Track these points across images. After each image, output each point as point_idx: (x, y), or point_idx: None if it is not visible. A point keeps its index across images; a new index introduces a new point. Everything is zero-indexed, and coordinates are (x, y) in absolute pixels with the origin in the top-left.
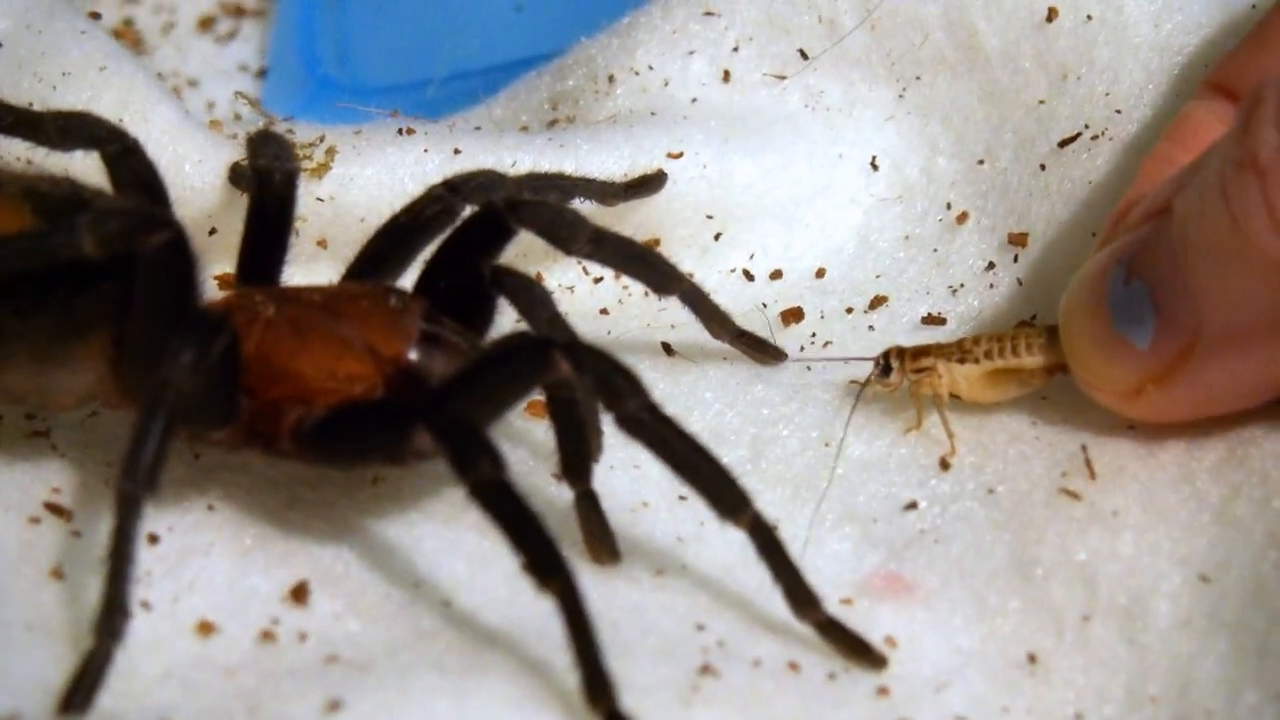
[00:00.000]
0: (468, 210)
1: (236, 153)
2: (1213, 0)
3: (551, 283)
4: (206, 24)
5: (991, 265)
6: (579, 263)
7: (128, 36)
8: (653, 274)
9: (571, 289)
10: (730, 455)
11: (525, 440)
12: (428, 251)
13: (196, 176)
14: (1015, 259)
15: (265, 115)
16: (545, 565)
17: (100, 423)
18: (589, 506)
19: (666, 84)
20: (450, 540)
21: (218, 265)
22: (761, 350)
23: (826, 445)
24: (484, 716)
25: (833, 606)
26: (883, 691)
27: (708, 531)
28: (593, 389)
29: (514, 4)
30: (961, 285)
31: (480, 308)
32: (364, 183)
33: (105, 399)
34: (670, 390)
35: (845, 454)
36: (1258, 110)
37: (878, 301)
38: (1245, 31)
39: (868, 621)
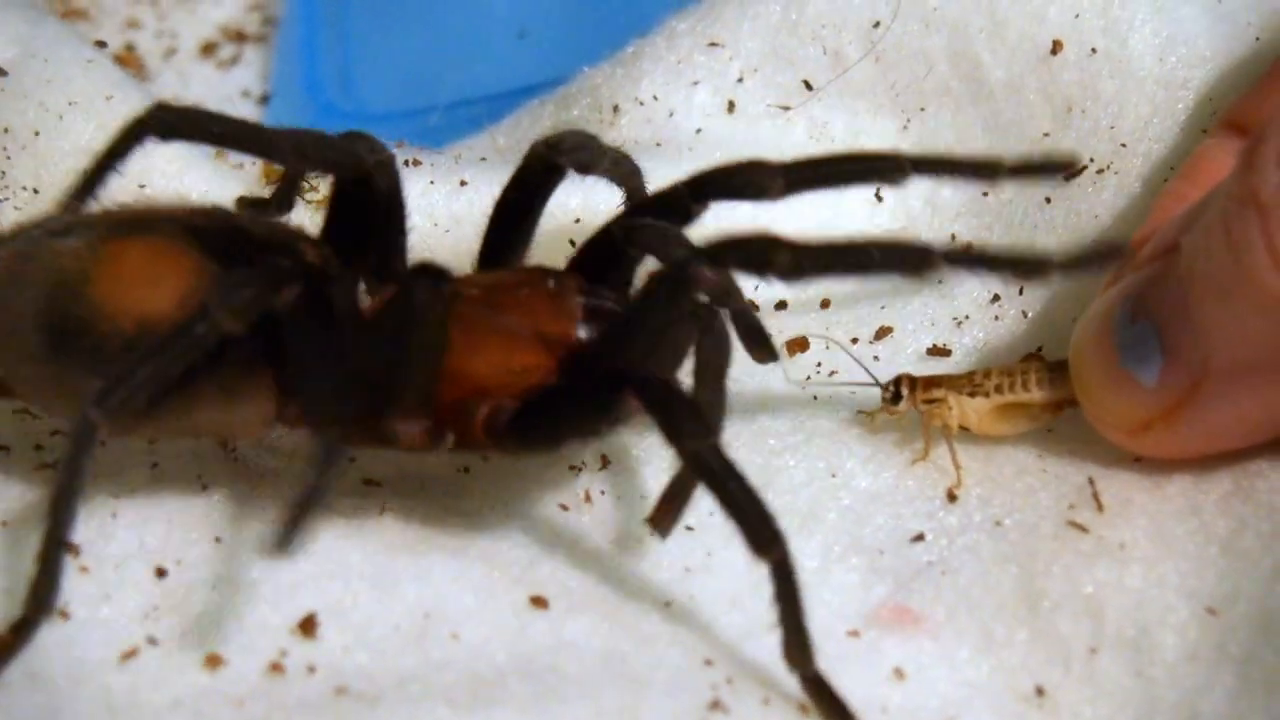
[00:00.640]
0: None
1: (241, 184)
2: (1217, 33)
3: None
4: (209, 50)
5: (997, 298)
6: None
7: (130, 62)
8: None
9: None
10: None
11: None
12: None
13: None
14: (1020, 292)
15: None
16: (763, 533)
17: (106, 454)
18: (743, 315)
19: (671, 114)
20: (459, 571)
21: None
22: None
23: (833, 476)
24: None
25: (840, 638)
26: None
27: (716, 562)
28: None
29: (517, 31)
30: (966, 317)
31: (622, 266)
32: None
33: (287, 422)
34: None
35: (852, 485)
36: (1261, 148)
37: (883, 332)
38: (1250, 65)
39: (874, 653)
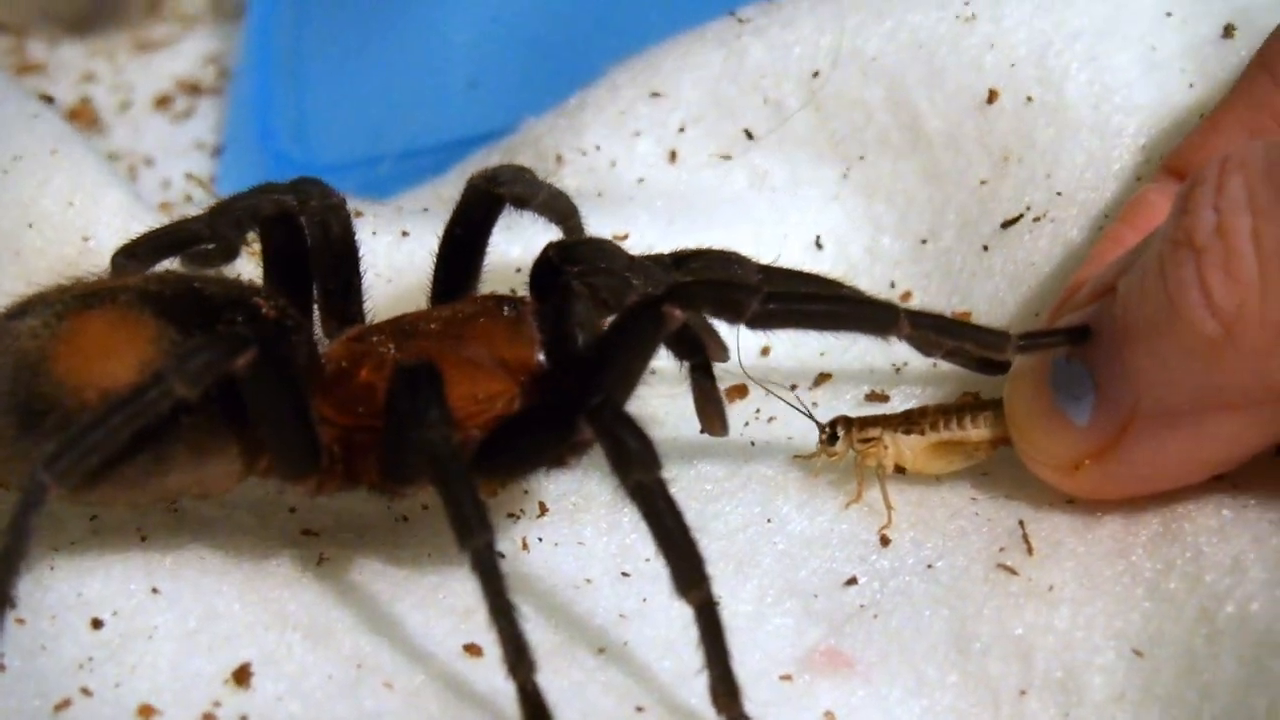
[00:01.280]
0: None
1: None
2: (1152, 81)
3: None
4: (163, 102)
5: None
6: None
7: (84, 115)
8: None
9: None
10: None
11: None
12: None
13: None
14: None
15: (216, 196)
16: (690, 575)
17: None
18: (704, 378)
19: (613, 164)
20: (394, 620)
21: None
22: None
23: (769, 521)
24: None
25: (773, 682)
26: None
27: (650, 608)
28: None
29: (467, 81)
30: (905, 364)
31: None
32: None
33: (259, 474)
34: None
35: (787, 530)
36: (1196, 191)
37: (822, 379)
38: (1185, 113)
39: (807, 697)
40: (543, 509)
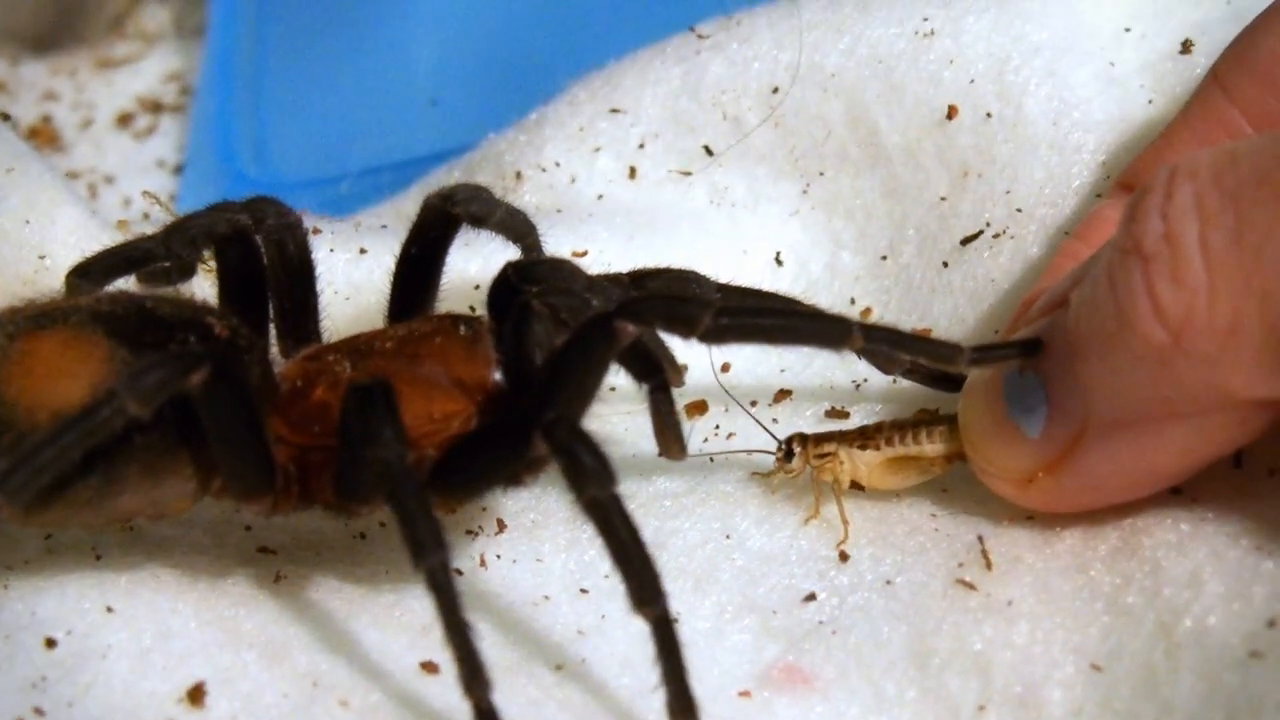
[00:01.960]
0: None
1: None
2: (1110, 97)
3: None
4: (125, 120)
5: None
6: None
7: (45, 133)
8: None
9: None
10: None
11: None
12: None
13: None
14: None
15: (173, 214)
16: (646, 590)
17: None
18: (662, 400)
19: (573, 180)
20: (350, 638)
21: None
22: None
23: (728, 538)
24: None
25: (731, 699)
26: None
27: (608, 625)
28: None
29: (428, 99)
30: (865, 380)
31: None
32: None
33: (213, 494)
34: None
35: (746, 546)
36: (1145, 200)
37: (782, 395)
38: (1143, 128)
39: (766, 713)
40: (501, 526)
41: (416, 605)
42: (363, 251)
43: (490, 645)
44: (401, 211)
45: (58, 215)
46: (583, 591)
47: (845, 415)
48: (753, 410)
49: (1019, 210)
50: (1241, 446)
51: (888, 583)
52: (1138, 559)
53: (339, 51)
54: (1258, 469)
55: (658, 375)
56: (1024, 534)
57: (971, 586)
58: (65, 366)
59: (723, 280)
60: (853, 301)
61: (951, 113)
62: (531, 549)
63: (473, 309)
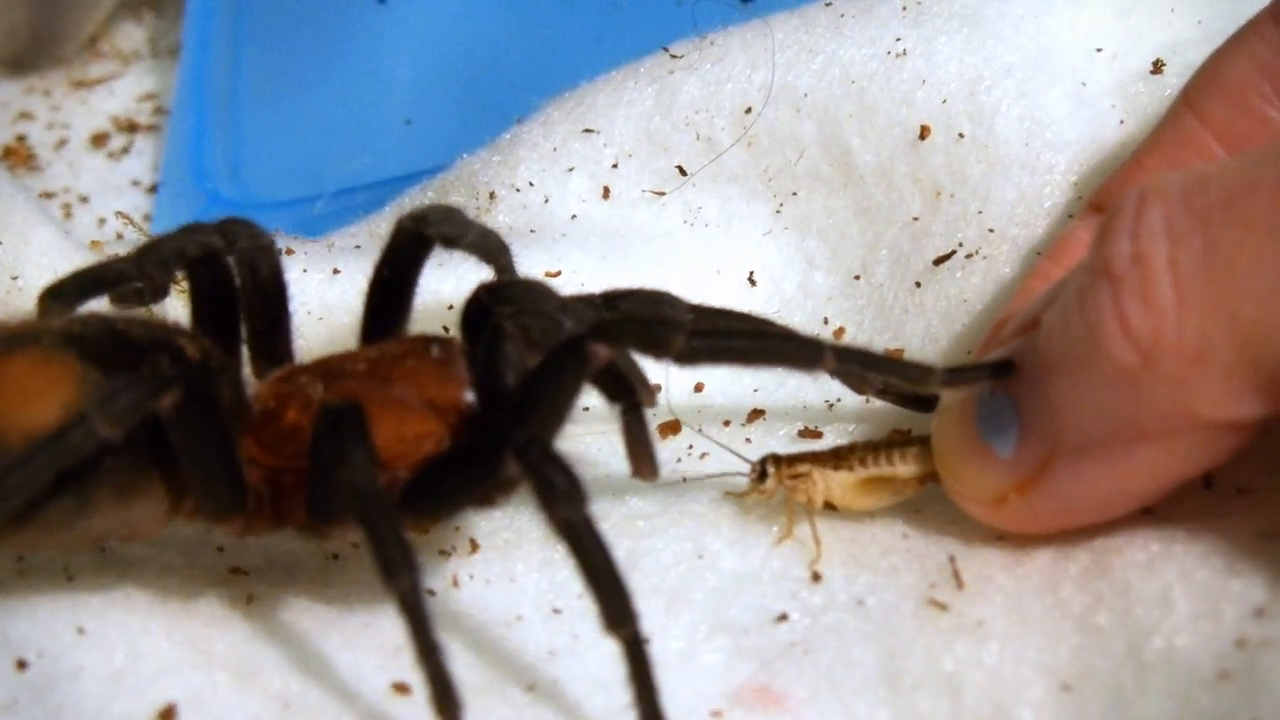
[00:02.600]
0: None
1: None
2: (1082, 117)
3: None
4: (99, 140)
5: None
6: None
7: (19, 153)
8: None
9: None
10: None
11: None
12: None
13: None
14: None
15: (146, 235)
16: (618, 611)
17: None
18: (634, 421)
19: (546, 201)
20: (322, 658)
21: None
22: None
23: (700, 558)
24: None
25: (703, 719)
26: None
27: (581, 645)
28: None
29: (403, 119)
30: (838, 400)
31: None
32: None
33: (184, 515)
34: None
35: (719, 566)
36: (1115, 221)
37: (755, 415)
38: (1115, 149)
39: None
40: (474, 546)
41: (389, 626)
42: (336, 272)
43: (462, 665)
44: (375, 232)
45: (31, 236)
46: (555, 612)
47: (818, 435)
48: (726, 430)
49: (991, 230)
50: (1213, 467)
51: (860, 603)
52: (1108, 579)
53: (313, 72)
54: (1227, 489)
55: (630, 396)
56: (995, 554)
57: (943, 606)
58: (37, 388)
59: (696, 301)
60: (826, 321)
61: (924, 133)
62: (504, 569)
63: (446, 329)
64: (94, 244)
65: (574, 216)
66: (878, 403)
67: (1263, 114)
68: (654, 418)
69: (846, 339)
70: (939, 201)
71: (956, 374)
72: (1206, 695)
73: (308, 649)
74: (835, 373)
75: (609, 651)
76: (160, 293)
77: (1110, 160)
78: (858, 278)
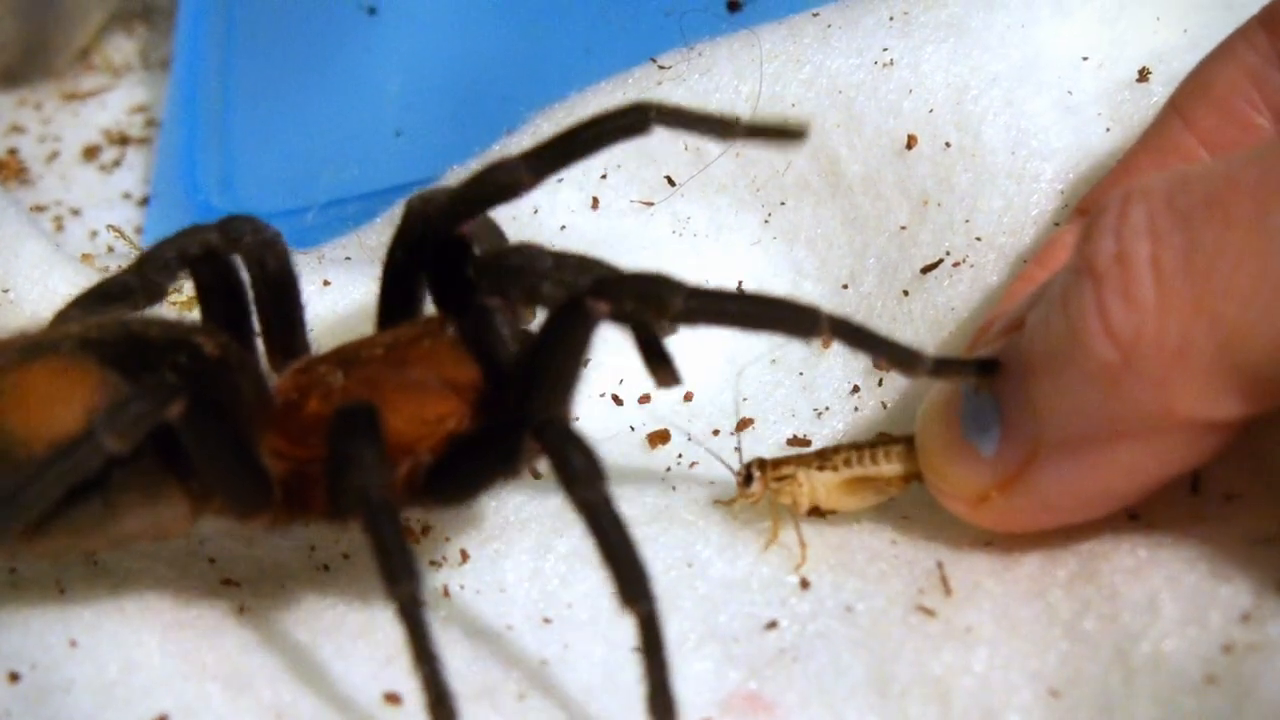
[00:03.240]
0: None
1: None
2: (1068, 126)
3: None
4: (91, 153)
5: (856, 389)
6: None
7: (10, 166)
8: None
9: None
10: (594, 575)
11: None
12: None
13: None
14: (880, 383)
15: (137, 248)
16: (635, 587)
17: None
18: (648, 338)
19: (536, 211)
20: (313, 669)
21: None
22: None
23: (689, 565)
24: None
25: None
26: None
27: (572, 654)
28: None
29: (394, 130)
30: (827, 408)
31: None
32: None
33: (215, 512)
34: (535, 512)
35: (708, 574)
36: (1099, 220)
37: (744, 424)
38: (1101, 157)
39: None
40: (464, 556)
41: (380, 636)
42: (326, 284)
43: (454, 674)
44: (366, 244)
45: (21, 249)
46: (546, 621)
47: (807, 443)
48: (715, 438)
49: (978, 239)
50: (1194, 467)
51: (848, 609)
52: (1096, 584)
53: (304, 83)
54: (1214, 494)
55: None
56: (983, 560)
57: (931, 613)
58: (57, 395)
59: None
60: None
61: (911, 142)
62: (495, 579)
63: None
64: (85, 257)
65: (563, 227)
66: (866, 410)
67: (1250, 121)
68: (645, 426)
69: (835, 348)
70: (926, 210)
71: (945, 364)
72: (1193, 700)
73: (299, 660)
74: (829, 340)
75: (601, 660)
76: (155, 296)
77: (1097, 168)
78: (846, 287)
